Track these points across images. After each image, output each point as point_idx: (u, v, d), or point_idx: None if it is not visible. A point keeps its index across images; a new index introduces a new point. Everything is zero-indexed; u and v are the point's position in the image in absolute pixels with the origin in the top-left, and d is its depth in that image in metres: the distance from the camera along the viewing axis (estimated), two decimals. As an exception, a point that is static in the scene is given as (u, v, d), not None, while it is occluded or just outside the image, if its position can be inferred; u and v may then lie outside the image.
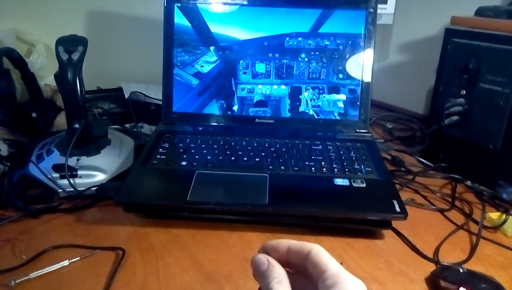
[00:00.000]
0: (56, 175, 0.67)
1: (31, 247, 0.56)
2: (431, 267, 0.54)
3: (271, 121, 0.79)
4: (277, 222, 0.61)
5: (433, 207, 0.68)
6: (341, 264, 0.32)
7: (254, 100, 0.80)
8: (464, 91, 0.75)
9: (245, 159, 0.68)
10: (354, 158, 0.68)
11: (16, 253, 0.55)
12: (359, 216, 0.58)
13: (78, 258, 0.54)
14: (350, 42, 0.78)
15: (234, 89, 0.80)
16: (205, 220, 0.62)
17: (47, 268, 0.52)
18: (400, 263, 0.55)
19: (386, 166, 0.67)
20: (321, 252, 0.32)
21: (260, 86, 0.79)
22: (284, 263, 0.33)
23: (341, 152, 0.70)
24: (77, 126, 0.69)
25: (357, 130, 0.77)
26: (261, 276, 0.32)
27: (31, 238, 0.58)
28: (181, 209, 0.60)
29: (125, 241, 0.58)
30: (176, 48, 0.79)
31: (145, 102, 0.99)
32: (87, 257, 0.55)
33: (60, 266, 0.53)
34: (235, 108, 0.79)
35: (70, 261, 0.53)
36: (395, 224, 0.60)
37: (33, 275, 0.51)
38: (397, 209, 0.57)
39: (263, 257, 0.33)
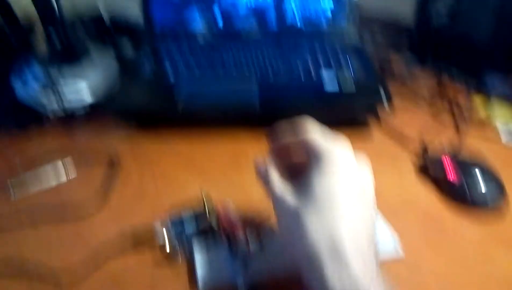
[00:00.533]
0: (39, 90, 0.65)
1: (25, 163, 0.56)
2: (419, 159, 0.56)
3: (257, 35, 0.77)
4: (268, 124, 0.61)
5: (420, 103, 0.69)
6: None
7: (239, 13, 0.76)
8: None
9: (234, 68, 0.67)
10: (344, 63, 0.68)
11: (12, 168, 0.55)
12: (347, 116, 0.59)
13: (74, 170, 0.55)
14: None
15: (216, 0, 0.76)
16: (198, 125, 0.62)
17: (44, 181, 0.53)
18: (389, 154, 0.57)
19: (375, 68, 0.67)
20: (313, 128, 0.35)
21: (244, -3, 0.76)
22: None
23: (330, 57, 0.69)
24: (53, 35, 0.66)
25: (345, 36, 0.76)
26: (259, 174, 0.36)
27: (24, 155, 0.58)
28: (172, 116, 0.61)
29: (120, 151, 0.58)
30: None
31: (124, 18, 0.94)
32: (83, 170, 0.55)
33: (57, 182, 0.53)
34: (219, 21, 0.76)
35: (66, 174, 0.54)
36: (382, 116, 0.62)
37: (31, 188, 0.51)
38: (384, 98, 0.58)
39: (260, 159, 0.37)
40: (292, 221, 0.30)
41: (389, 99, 0.59)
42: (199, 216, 0.43)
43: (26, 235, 0.45)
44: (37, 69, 0.67)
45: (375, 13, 1.13)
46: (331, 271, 0.27)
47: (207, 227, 0.42)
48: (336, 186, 0.30)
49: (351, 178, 0.31)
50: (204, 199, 0.44)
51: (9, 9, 0.85)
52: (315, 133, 0.34)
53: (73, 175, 0.54)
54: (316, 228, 0.29)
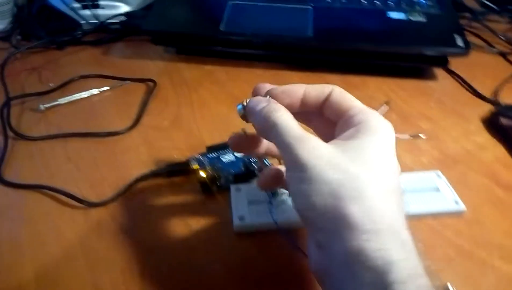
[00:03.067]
0: (77, 5, 0.61)
1: (57, 76, 0.53)
2: (488, 107, 0.49)
3: None
4: (320, 59, 0.55)
5: (494, 49, 0.61)
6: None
7: None
8: None
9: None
10: (411, -10, 0.59)
11: (43, 80, 0.53)
12: (415, 51, 0.51)
13: (108, 87, 0.51)
14: None
15: None
16: (239, 57, 0.56)
17: (76, 94, 0.50)
18: (454, 103, 0.50)
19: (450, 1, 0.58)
20: (344, 92, 0.28)
21: None
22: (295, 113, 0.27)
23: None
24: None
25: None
26: (260, 114, 0.27)
27: (57, 68, 0.56)
28: (214, 41, 0.55)
29: (156, 74, 0.54)
30: None
31: None
32: (117, 87, 0.52)
33: (89, 94, 0.50)
34: None
35: (100, 90, 0.51)
36: (450, 65, 0.54)
37: (62, 100, 0.49)
38: (459, 43, 0.50)
39: (261, 98, 0.28)
40: (347, 187, 0.23)
41: (462, 37, 0.51)
42: (239, 158, 0.39)
43: (54, 147, 0.43)
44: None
45: None
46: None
47: (246, 167, 0.38)
48: (389, 152, 0.25)
49: (392, 145, 0.26)
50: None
51: None
52: (355, 99, 0.28)
53: (106, 88, 0.51)
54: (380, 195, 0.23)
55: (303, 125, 0.28)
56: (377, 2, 0.57)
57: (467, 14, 0.67)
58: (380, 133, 0.26)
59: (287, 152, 0.25)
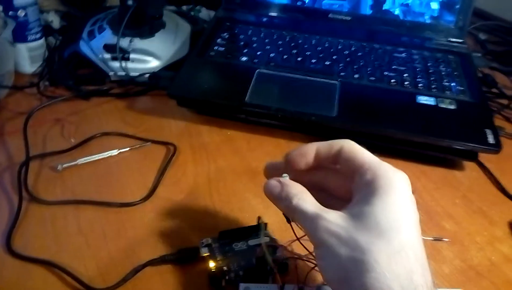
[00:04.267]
0: (107, 56, 0.62)
1: (80, 130, 0.54)
2: (518, 210, 0.47)
3: (347, 17, 0.67)
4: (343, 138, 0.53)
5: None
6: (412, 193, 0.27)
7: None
8: None
9: (314, 61, 0.59)
10: (443, 73, 0.58)
11: (65, 135, 0.53)
12: (442, 144, 0.49)
13: (128, 148, 0.51)
14: None
15: (308, -26, 0.67)
16: (263, 125, 0.56)
17: (96, 155, 0.50)
18: (481, 201, 0.48)
19: (482, 87, 0.56)
20: (354, 145, 0.30)
21: (339, -27, 0.66)
22: (311, 170, 0.32)
23: (429, 64, 0.59)
24: (130, 2, 0.61)
25: (451, 39, 0.64)
26: (278, 200, 0.30)
27: (81, 121, 0.56)
28: (238, 111, 0.54)
29: (177, 136, 0.54)
30: None
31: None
32: (137, 149, 0.52)
33: (108, 155, 0.50)
34: (306, -3, 0.68)
35: (120, 150, 0.51)
36: (480, 156, 0.52)
37: (81, 161, 0.49)
38: (490, 140, 0.48)
39: (272, 181, 0.31)
40: (356, 260, 0.24)
41: (495, 132, 0.49)
42: (252, 247, 0.38)
43: (66, 214, 0.42)
44: (109, 33, 0.63)
45: (483, 13, 0.99)
46: None
47: (258, 261, 0.37)
48: (405, 217, 0.26)
49: (412, 206, 0.27)
50: (261, 231, 0.38)
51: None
52: (366, 152, 0.29)
53: (126, 149, 0.51)
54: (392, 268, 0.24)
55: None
56: (406, 83, 0.56)
57: (499, 98, 0.65)
58: (393, 190, 0.27)
59: (308, 233, 0.28)
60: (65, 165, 0.48)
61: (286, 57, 0.60)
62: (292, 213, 0.29)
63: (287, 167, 0.32)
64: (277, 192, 0.30)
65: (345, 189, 0.30)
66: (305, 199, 0.28)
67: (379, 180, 0.27)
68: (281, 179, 0.31)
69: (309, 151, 0.31)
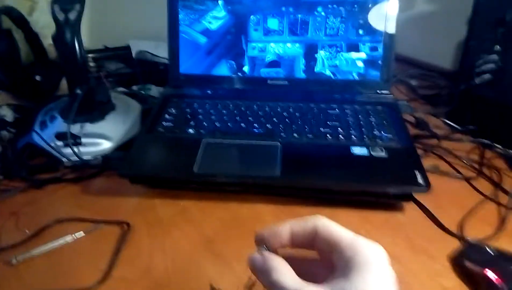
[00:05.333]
0: (59, 143, 0.64)
1: (35, 220, 0.55)
2: (455, 243, 0.50)
3: (284, 82, 0.73)
4: (289, 194, 0.57)
5: (459, 175, 0.63)
6: None
7: (266, 60, 0.74)
8: (499, 47, 0.67)
9: (256, 125, 0.64)
10: (373, 124, 0.63)
11: (19, 226, 0.54)
12: (378, 189, 0.54)
13: (82, 233, 0.52)
14: (371, -8, 0.70)
15: (244, 47, 0.74)
16: (214, 191, 0.59)
17: (50, 244, 0.50)
18: (421, 239, 0.51)
19: (409, 132, 0.62)
20: (328, 223, 0.30)
21: (272, 45, 0.73)
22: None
23: (360, 116, 0.65)
24: (78, 91, 0.65)
25: (378, 91, 0.71)
26: (259, 273, 0.30)
27: (35, 211, 0.57)
28: (188, 182, 0.57)
29: (131, 213, 0.56)
30: (182, 1, 0.73)
31: (154, 62, 0.94)
32: (91, 232, 0.53)
33: (63, 242, 0.51)
34: (246, 68, 0.74)
35: (74, 236, 0.52)
36: (417, 195, 0.56)
37: (35, 252, 0.49)
38: (420, 180, 0.52)
39: (256, 254, 0.31)
40: None
41: (423, 173, 0.53)
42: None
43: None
44: (60, 121, 0.66)
45: (414, 61, 1.09)
46: None
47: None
48: (381, 281, 0.27)
49: (391, 280, 0.28)
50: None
51: (43, 50, 0.87)
52: (340, 229, 0.30)
53: (80, 234, 0.52)
54: None
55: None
56: (341, 137, 0.60)
57: (431, 138, 0.71)
58: (372, 266, 0.27)
59: None
60: (19, 258, 0.48)
61: (231, 125, 0.64)
62: (272, 288, 0.29)
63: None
64: (258, 265, 0.30)
65: (327, 259, 0.30)
66: (285, 274, 0.29)
67: (357, 256, 0.28)
68: (264, 251, 0.31)
69: (283, 233, 0.31)
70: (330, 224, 0.30)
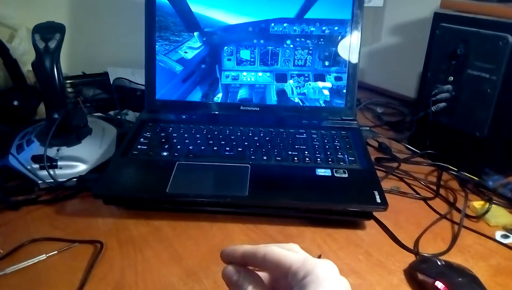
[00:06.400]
0: (36, 166, 0.66)
1: (9, 240, 0.56)
2: (411, 258, 0.54)
3: (256, 108, 0.78)
4: (258, 213, 0.60)
5: (417, 195, 0.68)
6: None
7: (239, 88, 0.78)
8: (452, 78, 0.73)
9: (228, 148, 0.67)
10: (337, 147, 0.67)
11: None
12: (339, 208, 0.57)
13: (56, 252, 0.54)
14: (336, 28, 0.75)
15: (218, 76, 0.78)
16: (186, 211, 0.61)
17: (24, 262, 0.52)
18: (380, 254, 0.55)
19: (370, 156, 0.66)
20: (276, 251, 0.32)
21: (244, 73, 0.78)
22: None
23: (325, 140, 0.69)
24: (56, 116, 0.67)
25: (343, 118, 0.76)
26: (234, 287, 0.32)
27: (10, 231, 0.58)
28: (160, 202, 0.60)
29: (104, 233, 0.58)
30: (159, 33, 0.77)
31: (131, 88, 0.97)
32: (65, 251, 0.54)
33: (37, 260, 0.52)
34: (220, 95, 0.78)
35: (48, 255, 0.53)
36: (377, 214, 0.60)
37: (9, 270, 0.50)
38: (378, 200, 0.56)
39: (231, 267, 0.33)
40: None
41: (381, 193, 0.57)
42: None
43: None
44: (37, 145, 0.68)
45: (380, 90, 1.16)
46: None
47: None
48: None
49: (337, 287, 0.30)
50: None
51: (21, 76, 0.89)
52: (289, 254, 0.32)
53: (54, 253, 0.53)
54: None
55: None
56: (307, 159, 0.64)
57: (392, 161, 0.76)
58: (325, 282, 0.29)
59: None
60: (-7, 276, 0.49)
61: (204, 148, 0.67)
62: None
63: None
64: (234, 280, 0.32)
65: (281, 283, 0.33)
66: (260, 288, 0.31)
67: (309, 276, 0.29)
68: (240, 267, 0.33)
69: (236, 253, 0.34)
70: (277, 251, 0.32)
